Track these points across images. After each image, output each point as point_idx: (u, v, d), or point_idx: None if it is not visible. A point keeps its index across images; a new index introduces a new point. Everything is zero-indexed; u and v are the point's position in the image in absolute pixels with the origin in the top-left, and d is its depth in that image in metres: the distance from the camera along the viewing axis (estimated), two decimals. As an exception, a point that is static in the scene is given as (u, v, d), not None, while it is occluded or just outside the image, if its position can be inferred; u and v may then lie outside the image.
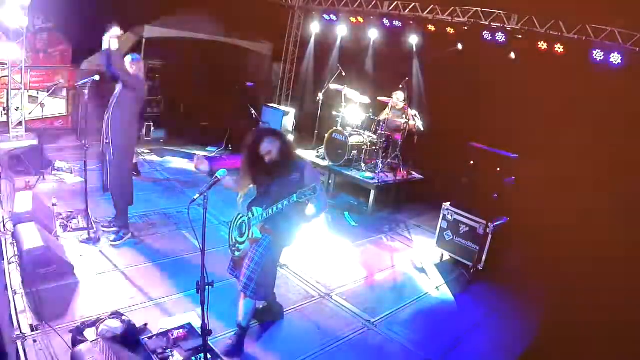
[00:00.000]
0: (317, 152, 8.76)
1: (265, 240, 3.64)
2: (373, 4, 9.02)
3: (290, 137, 3.38)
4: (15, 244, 4.48)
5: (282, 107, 9.77)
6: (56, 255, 4.29)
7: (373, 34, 9.40)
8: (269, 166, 3.61)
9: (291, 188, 3.38)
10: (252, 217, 3.65)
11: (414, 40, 8.88)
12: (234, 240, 3.81)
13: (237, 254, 3.78)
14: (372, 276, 5.56)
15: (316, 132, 9.15)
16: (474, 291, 5.57)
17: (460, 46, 8.12)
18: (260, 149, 3.57)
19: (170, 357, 3.47)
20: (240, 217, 3.76)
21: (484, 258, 5.76)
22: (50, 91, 7.89)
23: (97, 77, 5.58)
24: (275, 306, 4.29)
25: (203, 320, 3.01)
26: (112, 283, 4.49)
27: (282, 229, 3.63)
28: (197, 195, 2.98)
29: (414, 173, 8.53)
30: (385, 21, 8.80)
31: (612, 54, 6.21)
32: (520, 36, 7.20)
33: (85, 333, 3.46)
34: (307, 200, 3.32)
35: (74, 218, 5.48)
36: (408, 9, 8.52)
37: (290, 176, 3.55)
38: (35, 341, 3.43)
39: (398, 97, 8.06)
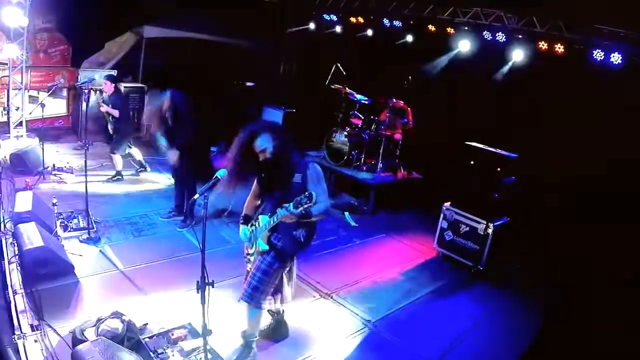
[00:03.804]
0: (318, 152, 8.76)
1: (272, 250, 3.45)
2: (373, 3, 9.02)
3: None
4: (15, 244, 4.48)
5: (283, 107, 9.76)
6: (56, 255, 4.30)
7: (374, 34, 9.39)
8: (264, 167, 3.33)
9: (295, 193, 3.12)
10: (257, 227, 3.46)
11: (414, 40, 8.87)
12: (245, 252, 3.68)
13: (248, 265, 3.64)
14: (372, 276, 5.55)
15: (316, 131, 9.15)
16: (474, 291, 5.57)
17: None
18: (254, 147, 3.26)
19: (170, 357, 3.48)
20: (250, 226, 3.58)
21: (484, 258, 5.77)
22: (51, 91, 7.90)
23: (97, 77, 5.59)
24: (282, 325, 4.11)
25: (203, 320, 3.01)
26: (112, 283, 4.49)
27: (288, 237, 3.41)
28: (197, 195, 2.98)
29: (414, 173, 8.53)
30: (386, 21, 8.80)
31: (612, 54, 6.21)
32: (520, 36, 7.20)
33: (85, 333, 3.46)
34: (305, 209, 3.04)
35: (74, 218, 5.49)
36: (408, 9, 8.52)
37: (292, 179, 3.28)
38: (35, 341, 3.43)
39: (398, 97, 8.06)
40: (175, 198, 6.16)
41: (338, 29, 9.86)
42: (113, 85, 6.80)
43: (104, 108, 6.84)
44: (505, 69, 7.64)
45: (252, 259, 3.63)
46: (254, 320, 3.66)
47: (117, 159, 7.11)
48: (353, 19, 9.42)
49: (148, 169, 7.63)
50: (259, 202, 3.64)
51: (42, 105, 7.28)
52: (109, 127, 7.06)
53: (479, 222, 5.83)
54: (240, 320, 3.96)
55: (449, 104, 8.19)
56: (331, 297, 4.90)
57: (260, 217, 3.46)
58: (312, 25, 10.39)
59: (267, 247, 3.44)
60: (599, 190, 6.42)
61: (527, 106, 7.29)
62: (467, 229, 5.93)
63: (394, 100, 8.00)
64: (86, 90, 5.44)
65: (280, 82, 11.52)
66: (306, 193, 3.02)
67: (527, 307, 5.33)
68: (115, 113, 6.75)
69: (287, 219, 3.23)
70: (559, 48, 6.68)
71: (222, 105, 10.03)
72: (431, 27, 8.16)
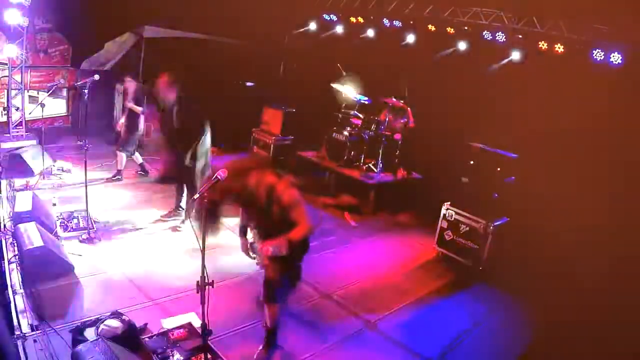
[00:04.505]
0: (317, 152, 8.76)
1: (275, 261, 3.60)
2: (373, 3, 9.03)
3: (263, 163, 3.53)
4: (15, 244, 4.48)
5: (283, 107, 9.75)
6: (56, 255, 4.30)
7: (373, 34, 9.40)
8: (241, 198, 3.47)
9: (277, 217, 3.33)
10: (254, 245, 3.68)
11: (414, 40, 8.87)
12: (252, 255, 3.94)
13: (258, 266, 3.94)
14: (372, 276, 5.55)
15: (316, 131, 9.15)
16: (474, 291, 5.57)
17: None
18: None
19: (170, 357, 3.48)
20: (248, 238, 3.86)
21: (484, 258, 5.77)
22: (50, 91, 7.90)
23: (97, 77, 5.60)
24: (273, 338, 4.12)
25: (203, 320, 3.01)
26: (112, 283, 4.49)
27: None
28: (197, 195, 2.98)
29: (414, 173, 8.53)
30: (385, 21, 8.80)
31: (612, 54, 6.21)
32: (520, 36, 7.20)
33: (85, 333, 3.47)
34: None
35: (74, 218, 5.49)
36: (408, 9, 8.52)
37: (270, 207, 3.37)
38: (35, 341, 3.43)
39: (398, 97, 8.05)
40: (175, 198, 6.16)
41: (338, 29, 9.86)
42: (136, 83, 6.97)
43: (130, 104, 6.95)
44: (506, 69, 7.64)
45: (257, 263, 3.89)
46: (276, 315, 3.79)
47: (122, 157, 7.13)
48: (353, 19, 9.42)
49: (148, 173, 7.61)
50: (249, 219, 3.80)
51: (42, 105, 7.28)
52: (121, 124, 7.12)
53: (478, 222, 5.83)
54: (240, 319, 3.99)
55: (449, 104, 8.19)
56: (331, 297, 4.90)
57: (255, 231, 3.61)
58: (312, 26, 10.40)
59: (265, 261, 3.61)
60: (599, 190, 6.42)
61: (528, 106, 7.29)
62: (467, 228, 5.93)
63: (394, 100, 8.00)
64: (86, 91, 5.45)
65: (280, 82, 11.51)
66: (277, 242, 3.15)
67: (526, 307, 5.33)
68: (140, 110, 6.94)
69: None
70: (559, 48, 6.68)
71: (221, 106, 10.03)
72: (431, 27, 8.17)
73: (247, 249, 3.91)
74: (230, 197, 3.34)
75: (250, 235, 3.93)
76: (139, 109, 6.96)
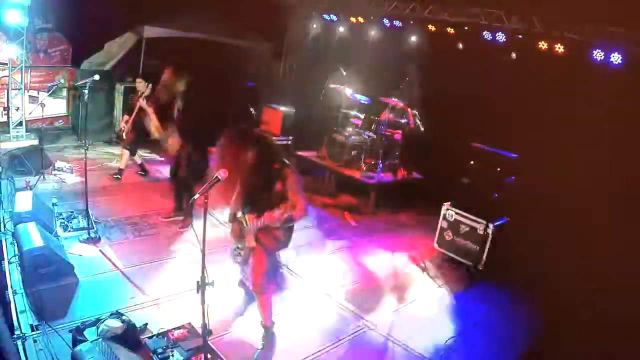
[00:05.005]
0: (317, 152, 8.76)
1: (260, 247, 3.67)
2: (373, 3, 9.02)
3: (274, 140, 3.59)
4: (15, 244, 4.48)
5: (283, 107, 9.76)
6: (56, 255, 4.29)
7: (373, 34, 9.40)
8: (246, 172, 3.58)
9: (276, 199, 3.45)
10: (245, 227, 3.64)
11: (413, 40, 8.87)
12: (234, 245, 3.84)
13: (238, 259, 3.83)
14: (372, 276, 5.56)
15: (316, 131, 9.15)
16: (474, 291, 5.57)
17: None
18: (236, 153, 3.51)
19: (170, 357, 3.48)
20: (238, 224, 3.76)
21: (484, 258, 5.76)
22: (51, 91, 7.90)
23: (97, 77, 5.60)
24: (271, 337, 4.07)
25: (203, 320, 3.01)
26: (112, 283, 4.49)
27: (271, 236, 3.65)
28: (197, 195, 2.98)
29: (414, 173, 8.52)
30: (385, 21, 8.80)
31: (612, 54, 6.21)
32: (520, 36, 7.20)
33: (85, 333, 3.47)
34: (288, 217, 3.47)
35: (74, 218, 5.49)
36: (408, 9, 8.52)
37: (272, 184, 3.52)
38: (35, 341, 3.43)
39: (398, 97, 8.05)
40: (175, 198, 6.16)
41: (338, 29, 9.86)
42: (147, 84, 6.93)
43: (143, 104, 6.95)
44: (506, 69, 7.63)
45: (242, 252, 3.79)
46: (268, 307, 3.82)
47: (126, 156, 7.13)
48: (353, 19, 9.42)
49: (148, 173, 7.63)
50: (243, 202, 3.77)
51: (42, 105, 7.28)
52: (128, 123, 7.10)
53: (478, 222, 5.83)
54: (241, 318, 3.98)
55: (449, 104, 8.18)
56: (331, 297, 4.90)
57: (247, 217, 3.60)
58: (312, 26, 10.39)
59: (254, 244, 3.65)
60: (599, 190, 6.42)
61: (528, 106, 7.28)
62: (467, 229, 5.93)
63: (394, 100, 7.99)
64: (86, 91, 5.45)
65: (280, 82, 11.51)
66: (289, 202, 3.44)
67: (526, 307, 5.33)
68: (151, 110, 6.88)
69: (272, 224, 3.52)
70: (559, 48, 6.68)
71: (222, 106, 10.03)
72: (431, 27, 8.16)
73: (238, 234, 3.80)
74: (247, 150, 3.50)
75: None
76: (150, 109, 6.93)
